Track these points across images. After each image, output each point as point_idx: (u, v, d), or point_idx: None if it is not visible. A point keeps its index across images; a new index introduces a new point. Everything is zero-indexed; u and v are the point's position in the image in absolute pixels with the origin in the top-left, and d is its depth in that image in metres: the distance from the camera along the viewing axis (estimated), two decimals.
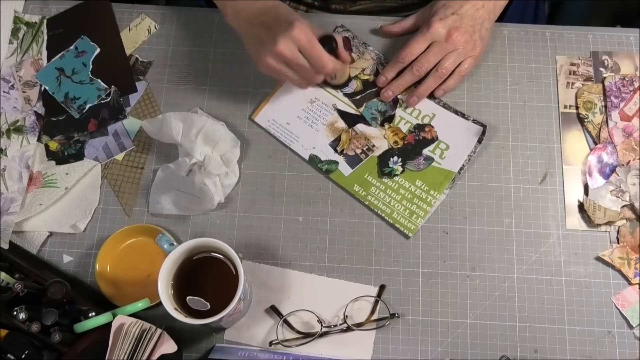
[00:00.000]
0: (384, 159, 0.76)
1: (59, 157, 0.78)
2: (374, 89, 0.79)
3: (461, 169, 0.74)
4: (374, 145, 0.76)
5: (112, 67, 0.81)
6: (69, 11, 0.84)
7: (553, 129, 0.77)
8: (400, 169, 0.75)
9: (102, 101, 0.79)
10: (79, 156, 0.77)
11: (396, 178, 0.75)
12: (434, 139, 0.76)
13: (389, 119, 0.77)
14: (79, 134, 0.78)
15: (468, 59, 0.75)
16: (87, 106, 0.79)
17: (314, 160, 0.76)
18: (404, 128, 0.77)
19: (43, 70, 0.81)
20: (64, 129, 0.79)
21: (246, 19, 0.71)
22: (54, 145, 0.78)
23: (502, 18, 0.84)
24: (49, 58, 0.82)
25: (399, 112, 0.78)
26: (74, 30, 0.83)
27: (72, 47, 0.82)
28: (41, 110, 0.79)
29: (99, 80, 0.80)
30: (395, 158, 0.75)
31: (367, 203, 0.74)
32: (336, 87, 0.79)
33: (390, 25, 0.80)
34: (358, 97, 0.79)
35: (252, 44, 0.72)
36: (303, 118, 0.78)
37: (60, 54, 0.82)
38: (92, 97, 0.80)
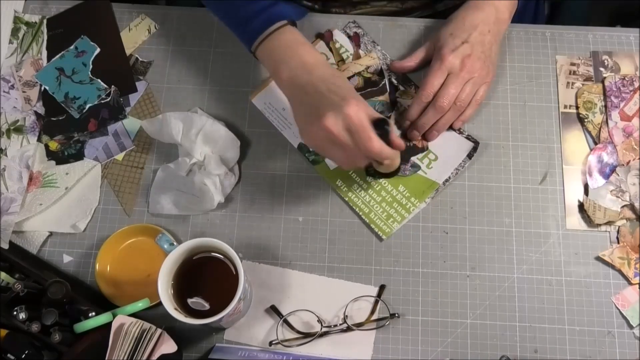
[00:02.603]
0: None
1: (59, 157, 0.78)
2: (374, 88, 0.79)
3: (446, 181, 0.74)
4: None
5: (112, 67, 0.81)
6: (69, 11, 0.84)
7: (553, 129, 0.77)
8: None
9: (102, 101, 0.79)
10: (79, 156, 0.77)
11: (380, 180, 0.74)
12: (424, 149, 0.76)
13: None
14: (79, 134, 0.78)
15: (482, 86, 0.74)
16: (87, 106, 0.79)
17: (302, 149, 0.76)
18: (397, 133, 0.77)
19: (43, 70, 0.81)
20: (64, 129, 0.79)
21: (301, 85, 0.66)
22: (54, 145, 0.78)
23: None
24: (49, 58, 0.82)
25: (393, 115, 0.78)
26: (74, 30, 0.83)
27: (72, 47, 0.82)
28: (41, 110, 0.79)
29: (98, 80, 0.80)
30: None
31: (346, 199, 0.74)
32: (384, 175, 0.73)
33: (402, 62, 0.78)
34: (359, 93, 0.78)
35: (300, 113, 0.67)
36: None
37: (60, 54, 0.82)
38: (92, 97, 0.80)
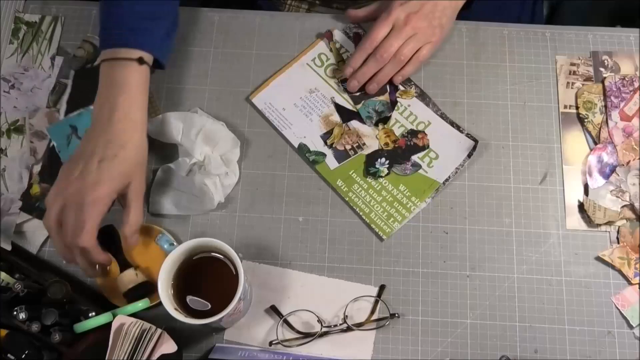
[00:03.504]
0: (371, 158, 0.76)
1: (29, 204, 0.74)
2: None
3: (446, 180, 0.74)
4: (364, 144, 0.76)
5: None
6: (98, 67, 0.78)
7: (553, 129, 0.77)
8: (386, 171, 0.75)
9: None
10: (42, 215, 0.68)
11: (380, 179, 0.75)
12: (425, 147, 0.76)
13: (384, 120, 0.77)
14: None
15: (427, 45, 0.76)
16: None
17: (302, 149, 0.76)
18: (398, 131, 0.77)
19: (57, 125, 0.78)
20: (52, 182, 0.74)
21: (92, 135, 0.66)
22: (35, 190, 0.75)
23: (500, 18, 0.84)
24: (67, 111, 0.79)
25: (395, 114, 0.78)
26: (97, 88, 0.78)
27: (91, 107, 0.76)
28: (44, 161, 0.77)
29: None
30: (383, 160, 0.75)
31: (347, 199, 0.74)
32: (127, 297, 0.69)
33: (357, 10, 0.80)
34: (358, 93, 0.79)
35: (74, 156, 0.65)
36: (299, 106, 0.78)
37: (78, 111, 0.78)
38: None
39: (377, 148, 0.76)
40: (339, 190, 0.74)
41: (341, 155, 0.76)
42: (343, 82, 0.79)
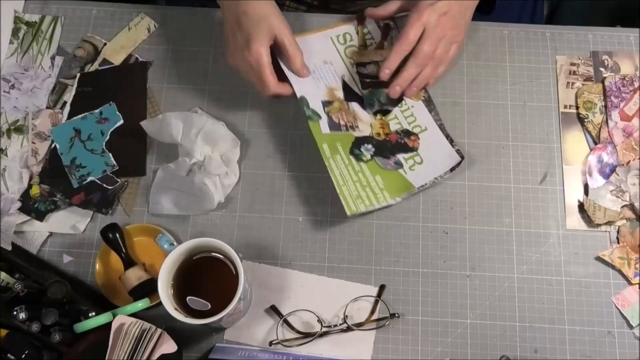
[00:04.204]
0: (360, 141, 0.76)
1: (28, 206, 0.74)
2: (384, 87, 0.78)
3: (422, 186, 0.74)
4: (357, 126, 0.76)
5: (128, 145, 0.77)
6: (104, 71, 0.81)
7: (553, 129, 0.77)
8: (369, 157, 0.75)
9: (102, 183, 0.75)
10: (40, 217, 0.74)
11: (361, 163, 0.74)
12: (413, 149, 0.76)
13: (384, 112, 0.78)
14: (60, 198, 0.75)
15: (454, 45, 0.76)
16: (89, 179, 0.75)
17: (303, 101, 0.75)
18: (393, 126, 0.77)
19: (60, 127, 0.78)
20: (54, 184, 0.75)
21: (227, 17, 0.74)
22: (35, 190, 0.75)
23: (500, 18, 0.84)
24: (70, 115, 0.79)
25: (396, 110, 0.78)
26: (103, 91, 0.80)
27: (97, 111, 0.78)
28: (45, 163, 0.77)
29: (109, 155, 0.76)
30: (370, 146, 0.75)
31: (327, 164, 0.73)
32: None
33: (375, 9, 0.80)
34: (368, 80, 0.79)
35: (227, 37, 0.75)
36: (311, 70, 0.78)
37: (83, 115, 0.78)
38: (97, 171, 0.76)
39: (368, 134, 0.76)
40: (322, 153, 0.73)
41: (334, 126, 0.76)
42: (358, 65, 0.79)
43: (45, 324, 0.61)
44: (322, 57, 0.80)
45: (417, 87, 0.77)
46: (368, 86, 0.79)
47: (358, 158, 0.74)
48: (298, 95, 0.75)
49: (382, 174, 0.74)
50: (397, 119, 0.77)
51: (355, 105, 0.78)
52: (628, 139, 0.76)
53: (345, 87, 0.79)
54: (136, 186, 0.76)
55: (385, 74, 0.76)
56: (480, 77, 0.80)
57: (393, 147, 0.76)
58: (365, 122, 0.77)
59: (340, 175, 0.73)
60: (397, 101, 0.78)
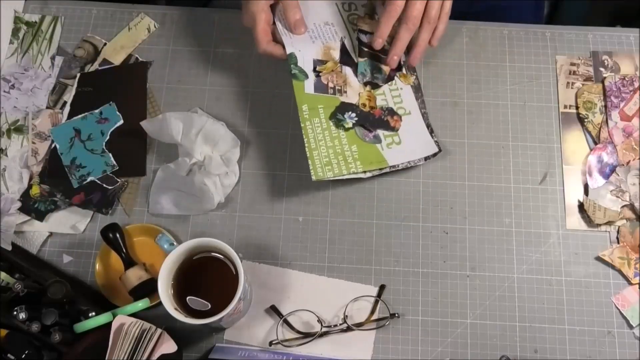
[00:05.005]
0: (344, 107, 0.75)
1: (28, 205, 0.74)
2: (385, 56, 0.77)
3: (394, 166, 0.74)
4: (345, 92, 0.76)
5: (128, 145, 0.77)
6: (105, 71, 0.81)
7: (553, 129, 0.77)
8: (350, 125, 0.74)
9: (102, 183, 0.75)
10: (40, 217, 0.74)
11: (340, 130, 0.74)
12: (394, 129, 0.76)
13: (374, 85, 0.77)
14: (60, 198, 0.75)
15: (447, 0, 0.74)
16: (89, 179, 0.75)
17: (291, 58, 0.74)
18: (379, 102, 0.77)
19: (60, 127, 0.78)
20: (54, 184, 0.75)
21: None
22: (35, 190, 0.75)
23: (500, 17, 0.84)
24: (71, 115, 0.79)
25: (385, 87, 0.77)
26: (104, 92, 0.79)
27: (97, 111, 0.78)
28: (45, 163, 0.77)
29: (109, 155, 0.76)
30: (353, 115, 0.75)
31: (302, 125, 0.72)
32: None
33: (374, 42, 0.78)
34: (366, 49, 0.78)
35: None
36: (310, 30, 0.77)
37: (83, 115, 0.78)
38: (97, 171, 0.76)
39: (354, 102, 0.76)
40: (300, 114, 0.73)
41: (321, 88, 0.75)
42: (360, 32, 0.79)
43: (45, 324, 0.61)
44: (324, 18, 0.79)
45: (419, 53, 0.75)
46: (365, 55, 0.78)
47: (338, 124, 0.74)
48: (288, 51, 0.74)
49: (359, 144, 0.74)
50: (384, 96, 0.77)
51: (348, 70, 0.77)
52: (628, 139, 0.76)
53: (343, 49, 0.78)
54: (136, 186, 0.76)
55: (378, 42, 0.75)
56: (480, 77, 0.80)
57: (375, 121, 0.75)
58: (354, 89, 0.76)
59: (315, 139, 0.72)
60: (389, 79, 0.78)
